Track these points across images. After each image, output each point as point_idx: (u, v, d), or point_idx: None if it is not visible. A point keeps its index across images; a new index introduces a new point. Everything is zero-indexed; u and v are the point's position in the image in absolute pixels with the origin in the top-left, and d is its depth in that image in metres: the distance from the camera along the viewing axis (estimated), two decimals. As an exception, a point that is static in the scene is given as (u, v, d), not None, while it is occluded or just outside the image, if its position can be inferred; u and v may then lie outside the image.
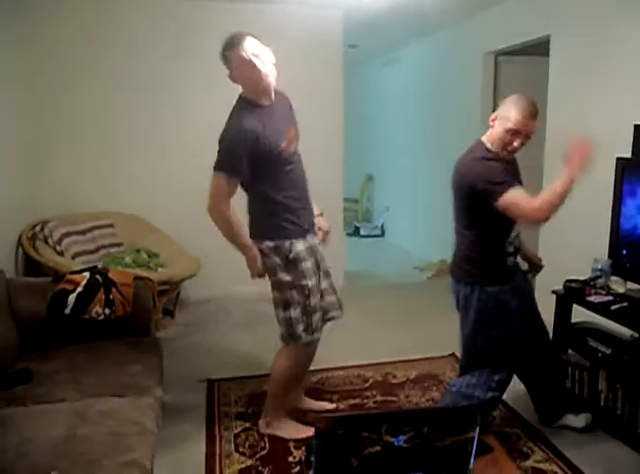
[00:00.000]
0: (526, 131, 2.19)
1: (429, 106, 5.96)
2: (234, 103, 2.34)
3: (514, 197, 2.14)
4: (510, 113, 2.19)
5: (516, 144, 2.21)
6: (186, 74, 4.45)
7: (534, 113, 2.19)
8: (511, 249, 2.41)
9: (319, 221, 2.61)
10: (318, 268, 2.50)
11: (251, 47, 2.18)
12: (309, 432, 2.45)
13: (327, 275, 2.62)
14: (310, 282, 2.42)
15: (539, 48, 4.22)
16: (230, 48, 2.20)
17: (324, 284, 2.57)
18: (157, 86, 4.41)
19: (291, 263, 2.39)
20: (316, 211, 2.59)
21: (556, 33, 3.89)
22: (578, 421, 2.64)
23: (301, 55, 4.60)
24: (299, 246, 2.40)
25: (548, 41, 3.98)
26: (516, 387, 3.11)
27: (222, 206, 2.26)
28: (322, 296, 2.55)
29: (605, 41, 3.44)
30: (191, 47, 4.39)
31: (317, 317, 2.48)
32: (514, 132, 2.19)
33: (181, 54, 4.41)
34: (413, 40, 6.33)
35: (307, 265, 2.41)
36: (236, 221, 2.31)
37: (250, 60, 2.18)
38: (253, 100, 2.30)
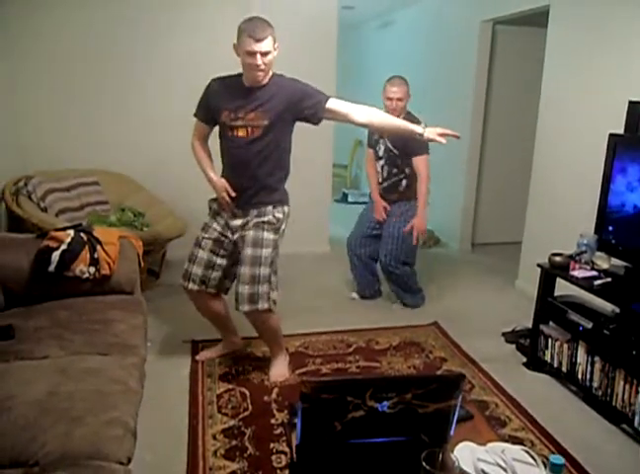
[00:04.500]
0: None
1: (423, 71, 5.86)
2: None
3: None
4: None
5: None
6: (173, 32, 4.32)
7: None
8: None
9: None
10: (222, 239, 2.71)
11: (249, 45, 2.36)
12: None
13: (241, 261, 2.60)
14: (201, 235, 2.74)
15: (539, 19, 4.15)
16: (238, 35, 2.41)
17: (240, 270, 2.60)
18: (145, 42, 4.28)
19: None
20: None
21: (555, 2, 3.82)
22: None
23: (295, 15, 4.49)
24: (213, 204, 2.77)
25: (548, 12, 3.91)
26: (492, 358, 3.18)
27: (193, 141, 2.74)
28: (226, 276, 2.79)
29: (605, 15, 3.38)
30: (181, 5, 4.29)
31: (194, 269, 2.72)
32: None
33: (170, 9, 4.27)
34: (409, 3, 6.18)
35: (210, 224, 2.74)
36: (201, 158, 2.73)
37: (244, 54, 2.41)
38: (242, 74, 2.54)
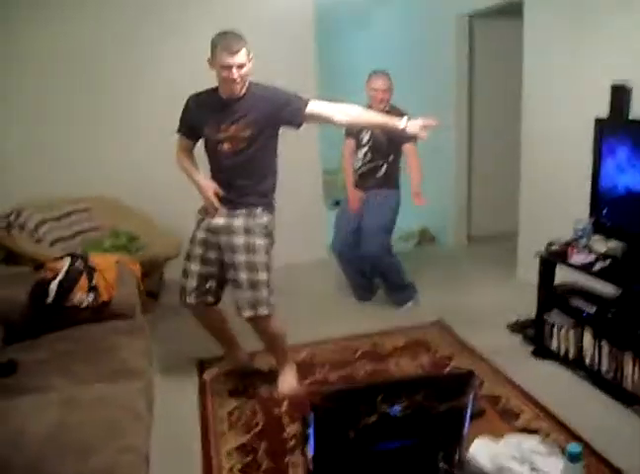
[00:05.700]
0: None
1: (402, 70, 5.84)
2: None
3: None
4: None
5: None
6: (160, 55, 4.32)
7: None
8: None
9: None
10: (219, 247, 2.64)
11: (224, 58, 2.37)
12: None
13: (234, 267, 2.58)
14: (190, 248, 2.71)
15: (517, 10, 4.16)
16: (212, 50, 2.42)
17: (230, 275, 2.63)
18: (131, 68, 4.27)
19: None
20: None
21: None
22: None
23: (270, 15, 4.42)
24: (200, 215, 2.72)
25: (523, 1, 3.93)
26: (498, 351, 3.17)
27: (177, 154, 2.74)
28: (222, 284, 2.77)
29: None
30: (163, 28, 4.28)
31: (188, 282, 2.70)
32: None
33: (159, 23, 4.27)
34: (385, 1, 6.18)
35: (195, 234, 2.71)
36: (187, 166, 2.72)
37: (219, 68, 2.41)
38: (218, 88, 2.55)
